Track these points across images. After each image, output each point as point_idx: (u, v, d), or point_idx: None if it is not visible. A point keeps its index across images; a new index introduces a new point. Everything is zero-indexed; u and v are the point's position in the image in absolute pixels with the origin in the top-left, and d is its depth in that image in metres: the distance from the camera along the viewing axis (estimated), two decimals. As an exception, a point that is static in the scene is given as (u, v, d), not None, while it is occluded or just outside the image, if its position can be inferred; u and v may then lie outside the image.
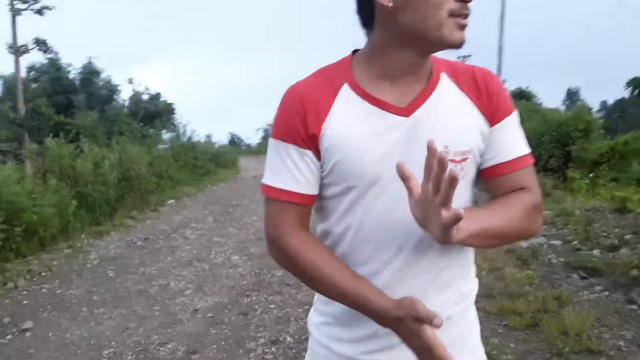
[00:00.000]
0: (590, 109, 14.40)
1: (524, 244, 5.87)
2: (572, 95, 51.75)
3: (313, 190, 1.11)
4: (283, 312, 4.38)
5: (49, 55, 18.09)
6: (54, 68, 19.69)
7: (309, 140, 1.06)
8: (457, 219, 0.86)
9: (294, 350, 3.66)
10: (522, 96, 24.33)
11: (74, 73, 20.55)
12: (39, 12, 15.81)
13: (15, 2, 15.49)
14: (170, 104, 24.07)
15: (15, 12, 15.37)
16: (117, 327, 4.18)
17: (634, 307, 4.04)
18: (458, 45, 1.02)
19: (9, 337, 4.05)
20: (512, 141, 1.13)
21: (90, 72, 20.62)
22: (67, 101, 18.47)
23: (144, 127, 18.51)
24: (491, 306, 4.09)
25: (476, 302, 1.24)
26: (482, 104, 1.10)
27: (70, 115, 16.73)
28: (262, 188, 1.14)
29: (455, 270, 1.16)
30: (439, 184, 0.86)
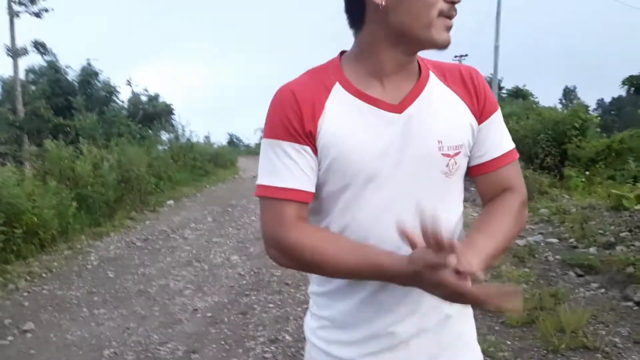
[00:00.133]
0: (587, 107, 14.47)
1: (520, 242, 5.91)
2: (568, 94, 51.81)
3: (311, 187, 1.09)
4: (282, 311, 4.42)
5: (48, 58, 18.12)
6: (53, 70, 19.69)
7: (306, 137, 1.06)
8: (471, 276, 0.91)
9: (293, 349, 3.70)
10: (518, 95, 24.40)
11: (72, 75, 20.58)
12: (37, 14, 15.84)
13: (13, 5, 15.52)
14: (169, 105, 24.10)
15: (13, 15, 15.39)
16: (118, 328, 4.21)
17: (629, 304, 4.08)
18: (444, 45, 1.06)
19: (10, 338, 4.08)
20: (499, 137, 1.18)
21: (88, 74, 20.62)
22: (66, 103, 18.48)
23: (143, 128, 18.54)
24: (488, 304, 4.12)
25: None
26: (470, 100, 1.14)
27: (69, 117, 16.75)
28: (257, 189, 1.11)
29: None
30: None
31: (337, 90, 1.09)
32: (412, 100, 1.10)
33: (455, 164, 1.12)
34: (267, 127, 1.10)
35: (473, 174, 1.19)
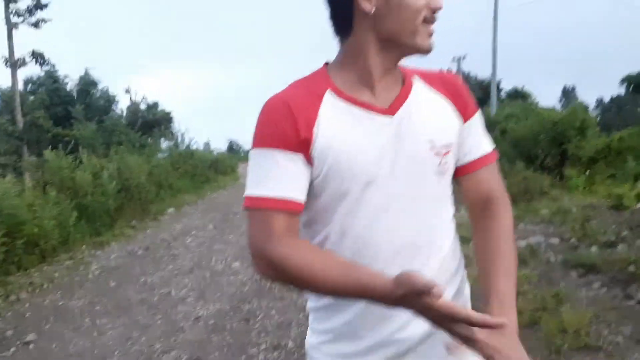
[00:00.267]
0: (586, 106, 14.50)
1: (522, 243, 5.90)
2: (567, 94, 51.88)
3: (302, 197, 1.07)
4: (284, 318, 4.41)
5: (46, 68, 18.15)
6: (51, 80, 19.76)
7: (300, 145, 1.05)
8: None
9: (295, 355, 3.69)
10: (518, 96, 24.45)
11: (71, 84, 20.63)
12: (35, 25, 15.87)
13: (11, 16, 15.56)
14: (168, 113, 24.15)
15: (11, 26, 15.43)
16: (120, 337, 4.21)
17: (631, 302, 4.07)
18: (428, 50, 1.10)
19: (12, 349, 4.08)
20: (480, 138, 1.22)
21: (87, 83, 20.69)
22: (65, 112, 18.53)
23: (142, 137, 18.57)
24: (490, 306, 4.12)
25: (475, 302, 1.26)
26: (455, 101, 1.18)
27: (68, 127, 16.79)
28: (245, 201, 1.08)
29: (452, 265, 1.20)
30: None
31: (329, 97, 1.09)
32: (401, 103, 1.12)
33: (447, 163, 1.15)
34: (256, 137, 1.09)
35: (456, 175, 1.22)
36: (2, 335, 4.34)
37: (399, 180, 1.09)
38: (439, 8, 1.07)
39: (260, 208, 1.06)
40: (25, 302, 5.21)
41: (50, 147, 10.37)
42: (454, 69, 34.41)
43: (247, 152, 1.13)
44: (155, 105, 23.89)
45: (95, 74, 21.01)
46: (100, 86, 21.40)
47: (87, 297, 5.31)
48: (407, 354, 1.11)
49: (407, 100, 1.13)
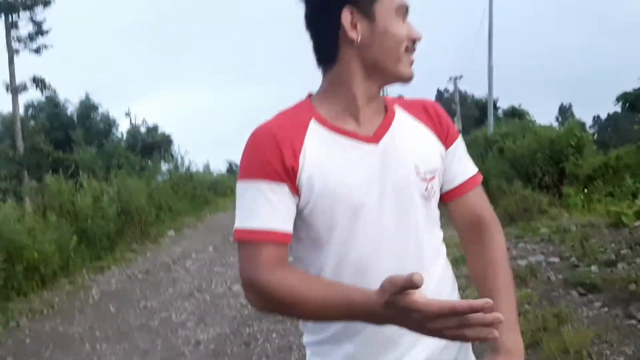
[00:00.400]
0: (583, 124, 14.57)
1: (522, 262, 5.90)
2: (564, 112, 52.10)
3: (289, 227, 1.09)
4: (285, 341, 4.40)
5: (47, 93, 18.26)
6: (52, 104, 19.87)
7: (286, 174, 1.06)
8: None
9: (296, 379, 3.68)
10: (514, 114, 24.55)
11: (71, 108, 20.75)
12: (37, 51, 16.01)
13: (12, 42, 15.70)
14: (168, 135, 24.22)
15: (12, 52, 15.56)
16: (120, 363, 4.19)
17: (633, 322, 4.06)
18: (410, 78, 1.14)
19: (12, 376, 4.06)
20: (464, 162, 1.26)
21: (87, 107, 20.80)
22: (65, 136, 18.61)
23: (143, 160, 18.61)
24: (491, 327, 4.11)
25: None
26: (435, 128, 1.21)
27: (68, 151, 16.85)
28: (234, 234, 1.09)
29: (446, 288, 1.22)
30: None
31: (314, 127, 1.11)
32: (385, 131, 1.15)
33: (432, 188, 1.17)
34: (243, 169, 1.10)
35: (444, 200, 1.24)
36: (2, 363, 4.33)
37: (388, 207, 1.12)
38: (419, 38, 1.12)
39: (250, 240, 1.07)
40: (24, 328, 5.19)
41: (50, 171, 10.41)
42: (451, 89, 34.66)
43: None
44: (155, 128, 23.98)
45: (95, 98, 21.16)
46: (100, 110, 21.54)
47: (87, 322, 5.29)
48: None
49: (391, 128, 1.16)
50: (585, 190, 9.08)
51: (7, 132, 16.62)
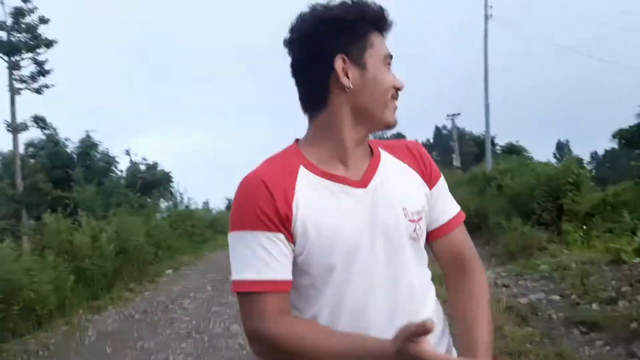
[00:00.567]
0: (581, 160, 14.66)
1: (523, 300, 5.86)
2: (562, 148, 52.43)
3: (289, 276, 1.10)
4: (283, 382, 4.32)
5: (47, 132, 18.42)
6: (52, 143, 19.97)
7: (280, 223, 1.07)
8: None
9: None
10: (512, 151, 24.70)
11: (71, 147, 20.84)
12: (38, 91, 16.22)
13: (14, 82, 15.92)
14: (168, 173, 24.29)
15: (14, 92, 15.76)
16: (116, 406, 4.12)
17: (635, 361, 4.02)
18: (394, 124, 1.18)
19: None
20: (447, 202, 1.29)
21: (87, 146, 20.90)
22: (64, 175, 18.63)
23: (142, 197, 18.61)
24: (492, 367, 4.05)
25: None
26: (419, 169, 1.25)
27: (68, 189, 16.85)
28: (233, 286, 1.11)
29: (438, 327, 1.23)
30: None
31: (303, 173, 1.13)
32: (372, 175, 1.18)
33: (420, 228, 1.20)
34: (236, 219, 1.12)
35: (429, 239, 1.27)
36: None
37: (379, 250, 1.14)
38: (403, 87, 1.17)
39: (251, 292, 1.08)
40: (19, 371, 5.10)
41: (49, 210, 10.40)
42: (449, 126, 34.95)
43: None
44: (155, 165, 24.06)
45: (95, 136, 21.25)
46: (100, 148, 21.64)
47: (83, 364, 5.21)
48: None
49: (378, 171, 1.19)
50: (584, 227, 9.08)
51: (7, 171, 16.68)
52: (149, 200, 18.56)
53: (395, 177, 1.20)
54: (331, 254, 1.10)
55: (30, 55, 16.11)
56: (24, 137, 17.38)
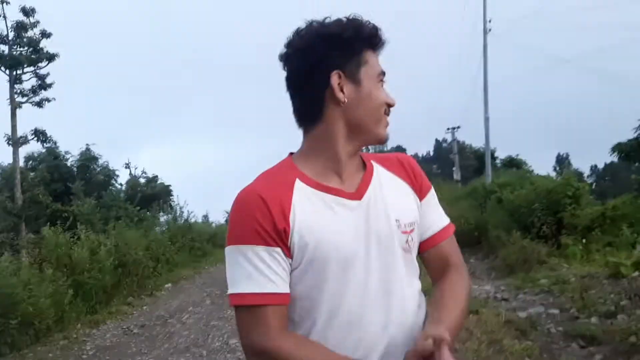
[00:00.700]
0: (580, 174, 14.68)
1: (522, 314, 5.84)
2: (561, 161, 52.49)
3: (287, 289, 1.12)
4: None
5: (48, 145, 18.43)
6: (52, 156, 19.98)
7: (278, 237, 1.09)
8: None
9: None
10: (512, 164, 24.74)
11: (71, 160, 20.85)
12: (39, 104, 16.27)
13: (15, 96, 15.97)
14: (168, 186, 24.28)
15: (15, 105, 15.81)
16: (113, 421, 4.09)
17: (634, 375, 4.00)
18: (386, 139, 1.23)
19: None
20: (438, 213, 1.33)
21: (87, 159, 20.91)
22: (65, 188, 18.62)
23: (141, 211, 18.59)
24: (491, 381, 4.04)
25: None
26: (410, 181, 1.28)
27: (67, 203, 16.83)
28: (232, 299, 1.12)
29: None
30: None
31: (299, 187, 1.16)
32: (366, 187, 1.21)
33: (412, 239, 1.23)
34: (234, 234, 1.13)
35: (420, 249, 1.30)
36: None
37: (374, 260, 1.16)
38: (394, 104, 1.21)
39: (251, 305, 1.10)
40: (16, 385, 5.08)
41: (48, 223, 10.39)
42: (449, 139, 35.02)
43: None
44: (155, 178, 24.07)
45: (95, 149, 21.27)
46: (100, 161, 21.65)
47: (81, 378, 5.19)
48: None
49: (371, 183, 1.22)
50: (584, 241, 9.07)
51: (7, 184, 16.67)
52: (148, 213, 18.52)
53: (388, 189, 1.23)
54: (327, 265, 1.12)
55: (31, 69, 16.20)
56: (24, 151, 17.38)
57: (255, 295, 1.09)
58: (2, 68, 15.76)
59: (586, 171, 47.80)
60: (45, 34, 16.21)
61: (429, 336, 1.03)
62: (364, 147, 1.26)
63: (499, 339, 5.03)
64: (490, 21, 21.97)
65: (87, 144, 21.03)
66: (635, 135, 12.51)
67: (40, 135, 16.55)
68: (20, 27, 15.78)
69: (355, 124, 1.17)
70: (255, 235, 1.09)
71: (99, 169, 21.52)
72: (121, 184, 22.51)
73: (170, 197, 23.84)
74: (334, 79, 1.14)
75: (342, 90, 1.15)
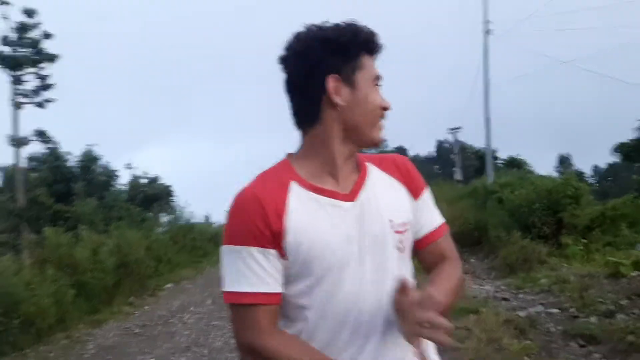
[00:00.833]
0: (581, 174, 14.69)
1: (521, 313, 5.86)
2: (563, 162, 52.39)
3: (280, 289, 1.16)
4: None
5: (49, 145, 18.50)
6: (54, 157, 20.04)
7: (273, 239, 1.13)
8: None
9: None
10: (513, 164, 24.74)
11: (73, 161, 20.91)
12: (40, 105, 16.33)
13: (17, 97, 16.03)
14: (169, 187, 24.34)
15: (16, 106, 15.86)
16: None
17: (633, 374, 4.02)
18: (380, 142, 1.25)
19: None
20: (432, 213, 1.35)
21: (89, 160, 20.96)
22: (66, 189, 18.68)
23: (143, 211, 18.64)
24: (490, 380, 4.06)
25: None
26: (405, 182, 1.30)
27: (69, 203, 16.89)
28: (226, 296, 1.15)
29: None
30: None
31: (294, 188, 1.18)
32: (360, 188, 1.23)
33: (406, 239, 1.26)
34: (230, 234, 1.16)
35: (417, 248, 1.33)
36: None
37: (367, 260, 1.19)
38: (389, 107, 1.23)
39: (244, 303, 1.13)
40: (18, 384, 5.11)
41: (50, 223, 10.44)
42: (451, 140, 35.03)
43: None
44: (156, 179, 24.13)
45: (97, 150, 21.32)
46: (101, 162, 21.70)
47: (82, 377, 5.22)
48: None
49: (365, 184, 1.24)
50: (584, 240, 9.09)
51: (9, 185, 16.73)
52: (149, 214, 18.58)
53: (383, 189, 1.26)
54: (321, 265, 1.15)
55: (33, 69, 16.25)
56: (25, 151, 17.43)
57: (247, 294, 1.12)
58: (4, 69, 15.81)
59: (588, 172, 47.78)
60: (47, 35, 16.27)
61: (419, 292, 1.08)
62: (359, 150, 1.28)
63: (498, 337, 5.04)
64: (489, 22, 21.93)
65: (88, 145, 21.06)
66: (636, 135, 12.54)
67: (41, 135, 16.62)
68: (22, 28, 15.85)
69: (351, 127, 1.20)
70: (251, 236, 1.12)
71: (100, 170, 21.55)
72: (122, 185, 22.55)
73: (171, 198, 23.88)
74: (331, 82, 1.17)
75: (338, 94, 1.18)
